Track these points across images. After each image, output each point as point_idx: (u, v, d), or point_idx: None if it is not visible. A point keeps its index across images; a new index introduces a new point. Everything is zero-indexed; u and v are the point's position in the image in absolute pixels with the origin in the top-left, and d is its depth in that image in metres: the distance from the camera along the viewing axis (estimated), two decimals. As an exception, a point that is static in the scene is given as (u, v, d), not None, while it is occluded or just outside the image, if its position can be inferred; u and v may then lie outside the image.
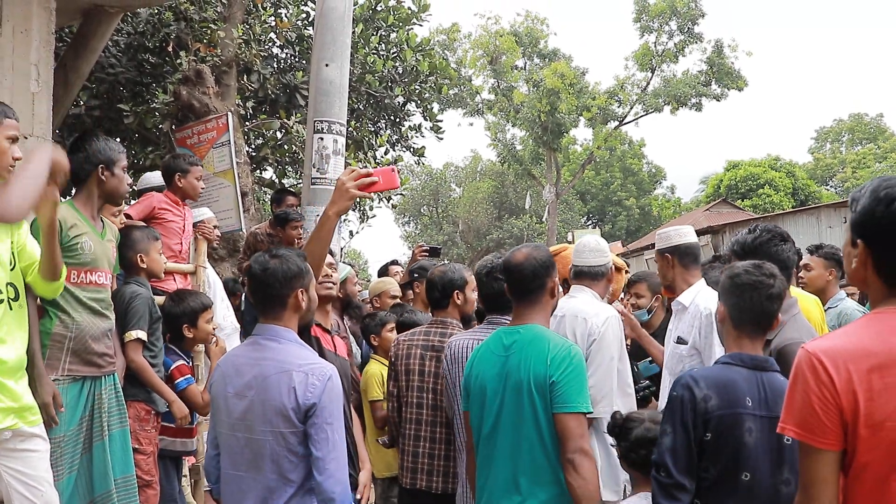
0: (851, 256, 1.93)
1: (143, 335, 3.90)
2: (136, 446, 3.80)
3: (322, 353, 3.21)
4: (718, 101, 33.82)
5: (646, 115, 35.31)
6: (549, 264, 3.05)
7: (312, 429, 2.68)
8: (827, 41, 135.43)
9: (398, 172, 3.24)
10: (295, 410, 2.67)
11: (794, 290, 4.05)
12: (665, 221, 42.94)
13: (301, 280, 2.88)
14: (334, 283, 3.64)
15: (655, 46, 34.06)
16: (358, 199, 11.04)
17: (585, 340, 3.74)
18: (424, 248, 6.12)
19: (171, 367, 4.17)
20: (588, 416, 2.87)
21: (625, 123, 36.55)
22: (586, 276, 4.08)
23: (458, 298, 3.95)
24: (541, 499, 2.82)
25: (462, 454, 3.45)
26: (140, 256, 4.05)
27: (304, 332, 3.10)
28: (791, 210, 27.13)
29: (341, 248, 10.13)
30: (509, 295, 3.14)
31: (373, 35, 9.53)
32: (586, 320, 3.81)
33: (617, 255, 5.66)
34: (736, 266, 2.78)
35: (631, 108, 35.36)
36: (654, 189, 51.11)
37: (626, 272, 5.43)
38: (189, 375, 4.23)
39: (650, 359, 4.15)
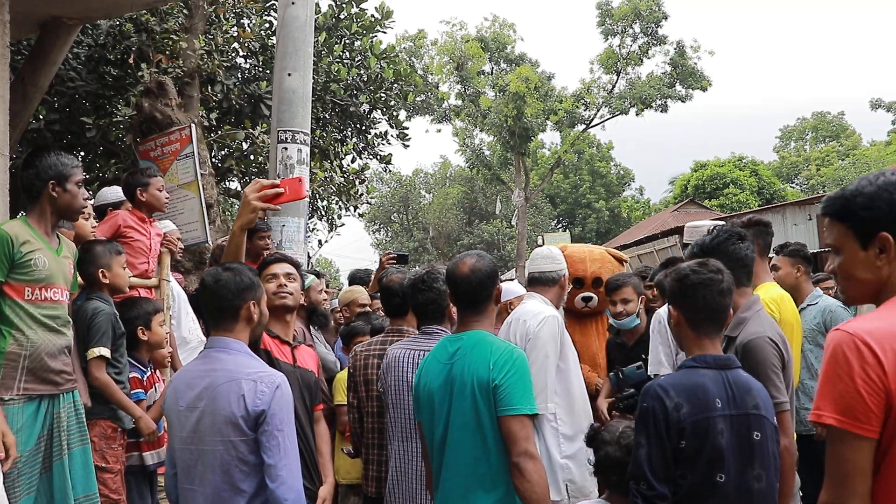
0: (872, 260, 1.86)
1: (106, 352, 3.84)
2: (103, 465, 3.75)
3: (273, 365, 3.20)
4: (683, 101, 34.12)
5: (612, 117, 35.53)
6: (493, 273, 3.07)
7: (263, 436, 2.69)
8: (789, 40, 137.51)
9: (304, 182, 3.20)
10: (244, 418, 2.68)
11: (769, 287, 4.13)
12: (635, 223, 43.28)
13: (253, 292, 2.90)
14: (291, 294, 3.62)
15: (620, 49, 34.32)
16: (324, 210, 10.95)
17: (523, 340, 3.90)
18: (392, 255, 6.04)
19: None
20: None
21: (592, 126, 36.74)
22: (538, 282, 4.30)
23: None
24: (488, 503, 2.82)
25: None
26: (102, 272, 3.99)
27: (254, 345, 3.10)
28: (757, 209, 27.45)
29: (309, 258, 10.08)
30: (454, 304, 3.16)
31: (336, 43, 9.52)
32: (525, 322, 4.00)
33: None
34: (681, 268, 2.78)
35: (597, 111, 35.57)
36: (623, 191, 51.48)
37: (625, 262, 5.63)
38: (139, 390, 4.17)
39: (638, 364, 4.14)
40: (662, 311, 3.89)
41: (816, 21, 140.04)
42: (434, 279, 3.55)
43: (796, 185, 49.13)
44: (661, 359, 4.22)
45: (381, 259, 6.05)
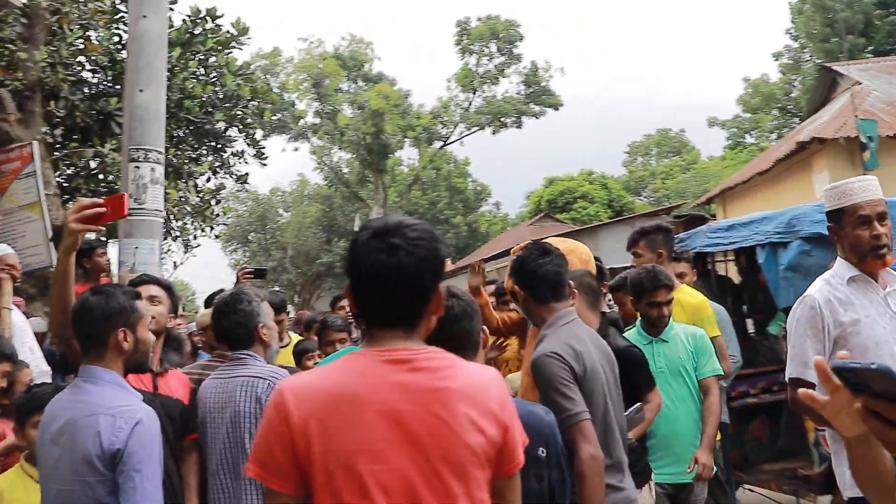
0: None
1: None
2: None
3: None
4: (537, 118, 35.27)
5: (469, 134, 36.26)
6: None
7: (120, 477, 2.51)
8: (638, 60, 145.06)
9: (128, 200, 3.01)
10: (100, 457, 2.50)
11: (687, 292, 4.43)
12: (493, 237, 44.14)
13: (122, 318, 2.72)
14: (153, 318, 3.45)
15: (476, 68, 35.11)
16: (179, 231, 10.54)
17: None
18: (248, 270, 5.82)
19: None
20: None
21: (449, 143, 37.35)
22: None
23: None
24: None
25: None
26: None
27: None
28: (608, 221, 28.63)
29: (165, 281, 9.66)
30: None
31: (191, 59, 9.21)
32: None
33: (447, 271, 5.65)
34: None
35: (455, 127, 36.22)
36: (481, 206, 52.42)
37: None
38: None
39: (638, 406, 3.79)
40: (821, 296, 3.05)
41: (660, 43, 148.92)
42: (238, 301, 3.45)
43: (643, 197, 51.65)
44: (810, 357, 3.07)
45: (237, 275, 5.78)
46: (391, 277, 1.80)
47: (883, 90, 15.87)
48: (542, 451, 2.49)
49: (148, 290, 3.49)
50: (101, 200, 2.87)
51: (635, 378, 3.75)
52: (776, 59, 39.39)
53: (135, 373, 3.05)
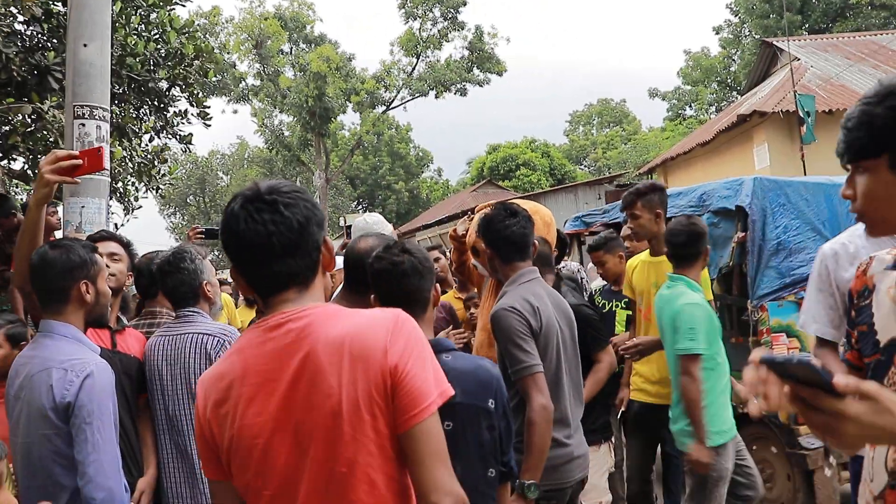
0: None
1: None
2: None
3: None
4: (481, 86, 35.21)
5: (412, 99, 36.04)
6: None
7: (73, 429, 2.54)
8: (576, 33, 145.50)
9: (105, 152, 2.95)
10: (54, 410, 2.54)
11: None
12: (434, 203, 44.18)
13: (84, 271, 2.72)
14: (114, 275, 3.41)
15: (420, 33, 34.80)
16: (122, 189, 10.29)
17: None
18: (200, 230, 5.71)
19: None
20: None
21: (392, 108, 37.08)
22: None
23: None
24: None
25: None
26: None
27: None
28: (550, 188, 28.89)
29: (106, 243, 9.43)
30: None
31: (133, 15, 8.91)
32: None
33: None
34: (375, 253, 2.60)
35: (398, 92, 35.94)
36: (422, 172, 52.41)
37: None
38: None
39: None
40: (829, 247, 2.94)
41: (603, 14, 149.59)
42: (181, 259, 3.46)
43: (585, 166, 52.21)
44: (820, 313, 2.90)
45: (188, 235, 5.70)
46: (278, 237, 1.69)
47: (820, 67, 16.28)
48: (492, 403, 2.53)
49: (107, 246, 3.47)
50: (76, 153, 2.81)
51: (584, 336, 3.78)
52: (717, 34, 40.00)
53: (94, 327, 3.07)
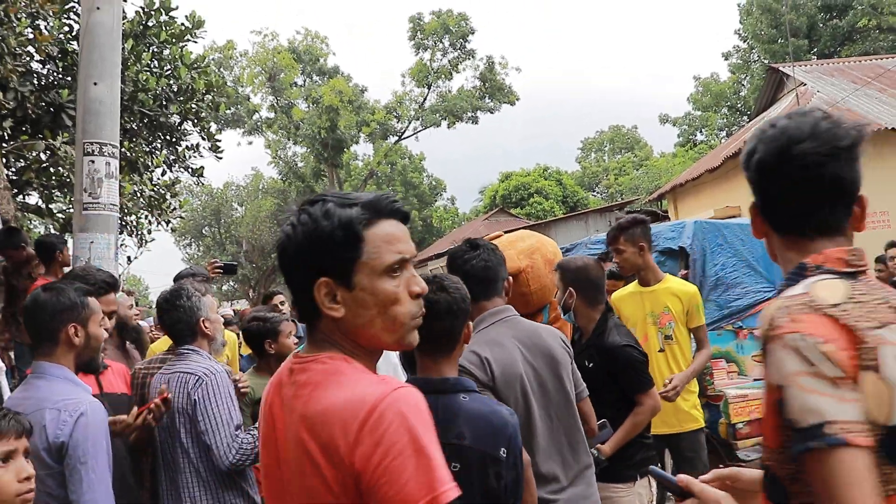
0: None
1: None
2: None
3: None
4: (492, 113, 35.45)
5: (424, 129, 36.31)
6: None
7: (66, 470, 2.56)
8: (587, 60, 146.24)
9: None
10: (47, 450, 2.56)
11: (678, 281, 4.60)
12: (447, 232, 44.26)
13: (73, 314, 2.77)
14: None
15: (431, 63, 35.15)
16: (135, 223, 10.40)
17: None
18: (218, 264, 5.75)
19: None
20: None
21: (404, 138, 37.36)
22: None
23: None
24: None
25: None
26: None
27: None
28: (562, 216, 28.93)
29: (119, 275, 9.59)
30: None
31: (144, 52, 9.13)
32: None
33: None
34: None
35: (409, 123, 36.23)
36: (435, 201, 52.55)
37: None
38: None
39: (602, 421, 3.46)
40: None
41: (614, 41, 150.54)
42: (178, 296, 3.47)
43: (597, 193, 52.25)
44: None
45: (207, 269, 5.70)
46: (278, 259, 1.62)
47: (826, 91, 16.33)
48: (504, 452, 2.40)
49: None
50: None
51: (623, 378, 3.69)
52: (726, 59, 40.20)
53: (86, 371, 3.08)
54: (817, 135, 1.56)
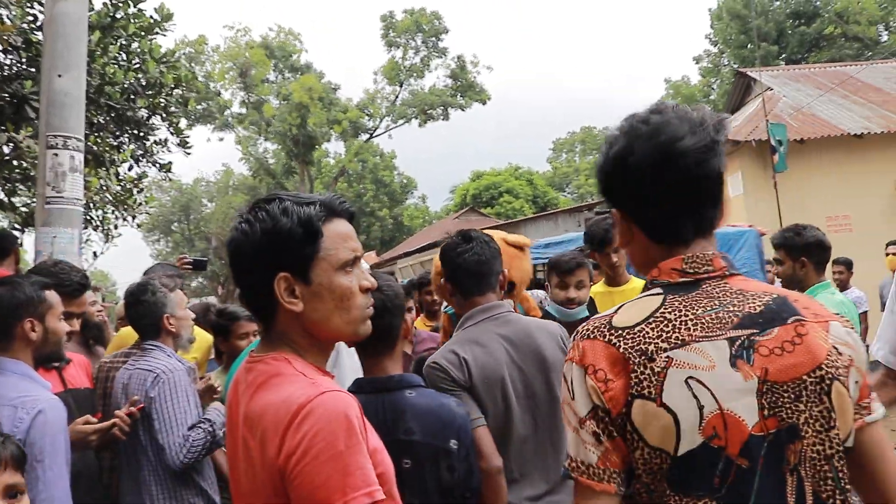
0: None
1: None
2: None
3: None
4: (463, 110, 35.53)
5: (396, 127, 36.29)
6: None
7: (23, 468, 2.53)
8: (559, 62, 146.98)
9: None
10: None
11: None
12: (417, 231, 44.27)
13: (29, 309, 2.74)
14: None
15: (403, 61, 35.13)
16: (101, 218, 10.29)
17: None
18: (187, 260, 5.68)
19: None
20: None
21: (376, 136, 37.28)
22: None
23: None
24: None
25: None
26: None
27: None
28: (532, 216, 29.04)
29: (83, 270, 9.43)
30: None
31: (112, 44, 9.00)
32: None
33: (371, 265, 5.61)
34: None
35: (381, 120, 36.18)
36: (406, 199, 52.51)
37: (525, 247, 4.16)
38: None
39: None
40: None
41: (586, 43, 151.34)
42: (142, 292, 3.43)
43: (567, 193, 52.54)
44: (887, 335, 2.82)
45: (176, 264, 5.63)
46: (230, 257, 1.64)
47: (791, 97, 16.55)
48: (454, 444, 2.41)
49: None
50: None
51: None
52: (697, 63, 40.54)
53: (47, 365, 3.06)
54: (695, 130, 1.46)
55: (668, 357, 1.33)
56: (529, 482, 2.76)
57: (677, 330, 1.36)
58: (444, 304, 5.22)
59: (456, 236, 3.03)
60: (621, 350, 1.35)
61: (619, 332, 1.39)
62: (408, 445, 2.32)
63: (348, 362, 2.76)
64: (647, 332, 1.36)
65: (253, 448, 1.52)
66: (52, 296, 2.87)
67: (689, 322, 1.37)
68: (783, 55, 33.98)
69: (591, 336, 1.41)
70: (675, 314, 1.39)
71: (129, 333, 4.28)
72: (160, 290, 3.50)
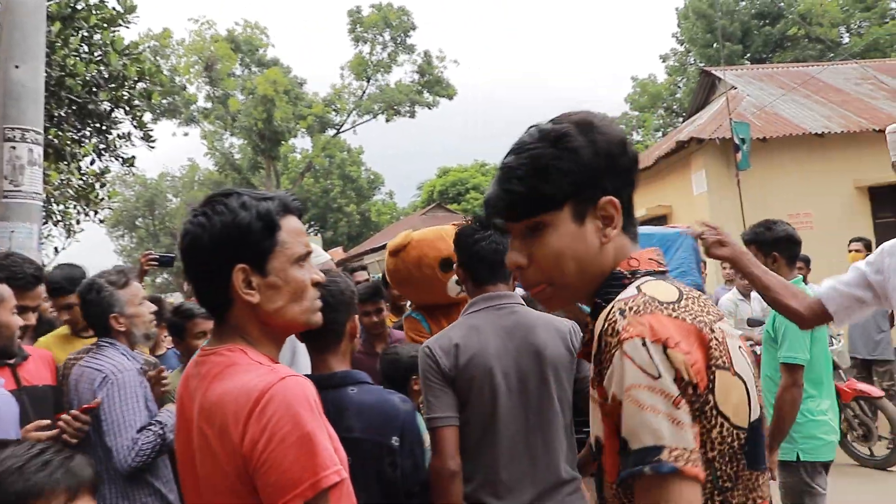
0: None
1: None
2: None
3: None
4: (430, 108, 35.50)
5: (363, 122, 36.18)
6: None
7: None
8: (527, 58, 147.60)
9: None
10: None
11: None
12: (384, 226, 44.20)
13: None
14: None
15: (370, 56, 35.03)
16: (61, 215, 10.11)
17: None
18: (153, 256, 5.46)
19: None
20: None
21: (342, 131, 37.16)
22: None
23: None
24: None
25: None
26: None
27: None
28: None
29: (43, 266, 9.29)
30: None
31: (73, 35, 8.86)
32: None
33: (338, 260, 5.56)
34: None
35: (348, 115, 36.05)
36: (374, 195, 52.37)
37: None
38: None
39: None
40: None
41: (553, 40, 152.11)
42: (88, 291, 3.32)
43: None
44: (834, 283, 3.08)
45: (140, 261, 5.38)
46: (185, 250, 1.65)
47: (755, 95, 16.75)
48: (396, 441, 2.39)
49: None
50: None
51: None
52: (663, 61, 40.92)
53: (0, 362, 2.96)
54: (621, 133, 1.49)
55: (720, 328, 1.30)
56: (512, 485, 2.65)
57: (706, 305, 1.33)
58: (409, 303, 5.21)
59: (473, 222, 2.93)
60: (689, 322, 1.26)
61: (672, 305, 1.28)
62: (349, 442, 2.22)
63: (304, 361, 2.73)
64: (691, 307, 1.30)
65: (211, 438, 1.52)
66: (3, 289, 2.79)
67: (705, 300, 1.36)
68: (748, 55, 34.43)
69: (650, 310, 1.26)
70: (692, 293, 1.36)
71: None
72: (106, 288, 3.35)
